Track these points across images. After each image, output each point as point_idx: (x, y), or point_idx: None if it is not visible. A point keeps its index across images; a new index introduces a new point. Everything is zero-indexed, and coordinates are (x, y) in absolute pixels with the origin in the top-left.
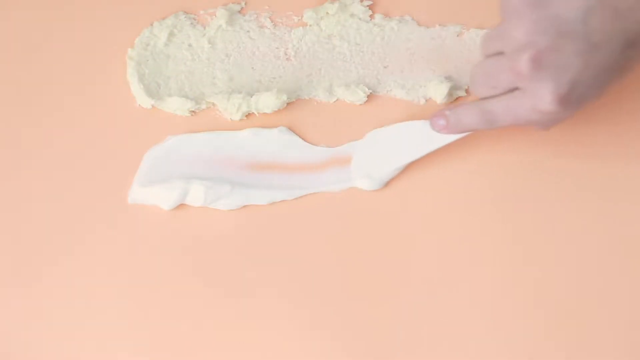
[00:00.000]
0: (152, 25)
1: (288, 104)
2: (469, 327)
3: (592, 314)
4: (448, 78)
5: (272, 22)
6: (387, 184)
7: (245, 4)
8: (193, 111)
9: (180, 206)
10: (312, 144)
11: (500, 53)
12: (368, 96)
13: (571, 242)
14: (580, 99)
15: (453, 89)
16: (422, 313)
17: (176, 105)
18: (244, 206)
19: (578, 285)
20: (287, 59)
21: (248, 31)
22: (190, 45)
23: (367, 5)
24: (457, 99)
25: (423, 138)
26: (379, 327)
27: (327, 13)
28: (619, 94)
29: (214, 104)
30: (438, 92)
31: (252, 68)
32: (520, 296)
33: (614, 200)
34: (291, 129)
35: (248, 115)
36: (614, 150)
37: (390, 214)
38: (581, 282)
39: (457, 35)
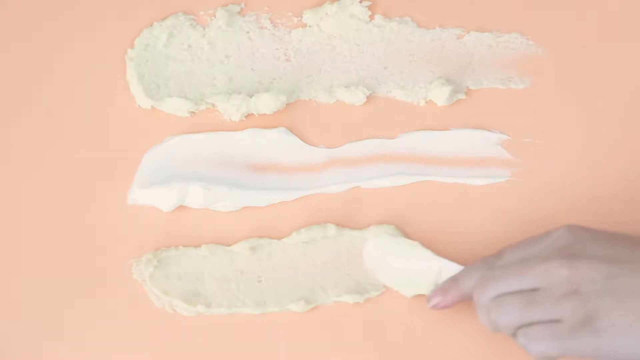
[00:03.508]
0: (151, 26)
1: (288, 104)
2: (471, 328)
3: None
4: (447, 80)
5: (271, 23)
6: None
7: (244, 4)
8: (193, 112)
9: (180, 207)
10: (311, 144)
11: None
12: (368, 97)
13: None
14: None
15: (453, 91)
16: (420, 313)
17: (176, 106)
18: (244, 207)
19: None
20: (286, 59)
21: (248, 32)
22: (189, 46)
23: (367, 6)
24: (456, 101)
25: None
26: (378, 326)
27: (327, 14)
28: None
29: (213, 105)
30: (439, 95)
31: (252, 69)
32: None
33: None
34: (291, 129)
35: (248, 116)
36: None
37: (389, 216)
38: None
39: (457, 38)
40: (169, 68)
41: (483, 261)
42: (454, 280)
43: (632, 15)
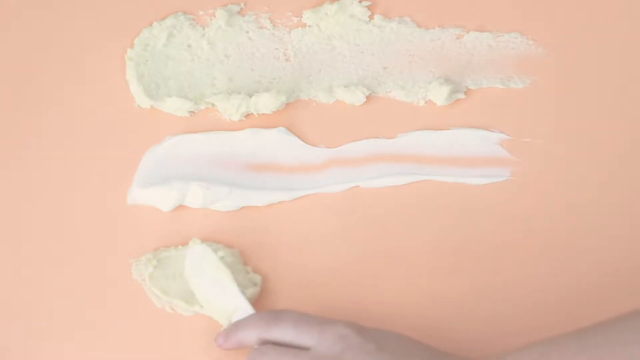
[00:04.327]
0: (151, 25)
1: (287, 104)
2: (473, 325)
3: None
4: (447, 80)
5: (271, 22)
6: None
7: (244, 4)
8: (192, 112)
9: (180, 207)
10: (311, 144)
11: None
12: (367, 97)
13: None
14: None
15: (453, 91)
16: (422, 313)
17: (175, 106)
18: (243, 207)
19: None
20: (286, 59)
21: (247, 32)
22: (189, 45)
23: (367, 6)
24: (456, 100)
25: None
26: (378, 325)
27: (327, 14)
28: None
29: (213, 105)
30: (438, 95)
31: (252, 69)
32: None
33: None
34: (290, 129)
35: (247, 115)
36: None
37: (389, 215)
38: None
39: (457, 37)
40: (169, 68)
41: (261, 318)
42: (235, 327)
43: (632, 15)
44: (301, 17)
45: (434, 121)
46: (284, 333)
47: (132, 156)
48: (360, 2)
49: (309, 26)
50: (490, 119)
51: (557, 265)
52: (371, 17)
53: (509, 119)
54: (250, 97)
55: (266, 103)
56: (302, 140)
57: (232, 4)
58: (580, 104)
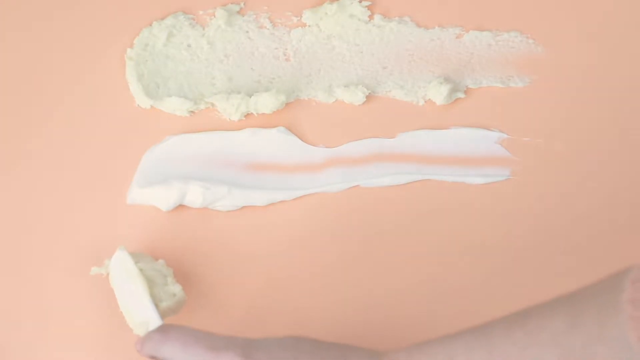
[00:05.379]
0: (151, 25)
1: (287, 104)
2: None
3: None
4: (447, 79)
5: (271, 22)
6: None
7: (244, 4)
8: (192, 111)
9: (179, 207)
10: (310, 144)
11: None
12: (367, 97)
13: None
14: None
15: (452, 90)
16: (421, 312)
17: (175, 106)
18: (243, 207)
19: None
20: (286, 59)
21: (247, 32)
22: (189, 45)
23: (366, 6)
24: (455, 100)
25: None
26: (377, 324)
27: (326, 14)
28: None
29: (213, 104)
30: (438, 94)
31: (251, 68)
32: None
33: None
34: (290, 129)
35: (247, 115)
36: None
37: (389, 215)
38: None
39: (456, 37)
40: (169, 67)
41: (153, 335)
42: (143, 340)
43: (632, 15)
44: (301, 16)
45: (434, 120)
46: (173, 354)
47: (131, 156)
48: (360, 2)
49: (309, 26)
50: (490, 118)
51: (557, 264)
52: (371, 17)
53: (509, 118)
54: (250, 96)
55: (266, 103)
56: (302, 140)
57: (231, 3)
58: (580, 103)
